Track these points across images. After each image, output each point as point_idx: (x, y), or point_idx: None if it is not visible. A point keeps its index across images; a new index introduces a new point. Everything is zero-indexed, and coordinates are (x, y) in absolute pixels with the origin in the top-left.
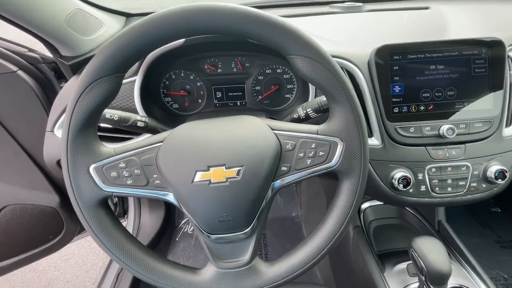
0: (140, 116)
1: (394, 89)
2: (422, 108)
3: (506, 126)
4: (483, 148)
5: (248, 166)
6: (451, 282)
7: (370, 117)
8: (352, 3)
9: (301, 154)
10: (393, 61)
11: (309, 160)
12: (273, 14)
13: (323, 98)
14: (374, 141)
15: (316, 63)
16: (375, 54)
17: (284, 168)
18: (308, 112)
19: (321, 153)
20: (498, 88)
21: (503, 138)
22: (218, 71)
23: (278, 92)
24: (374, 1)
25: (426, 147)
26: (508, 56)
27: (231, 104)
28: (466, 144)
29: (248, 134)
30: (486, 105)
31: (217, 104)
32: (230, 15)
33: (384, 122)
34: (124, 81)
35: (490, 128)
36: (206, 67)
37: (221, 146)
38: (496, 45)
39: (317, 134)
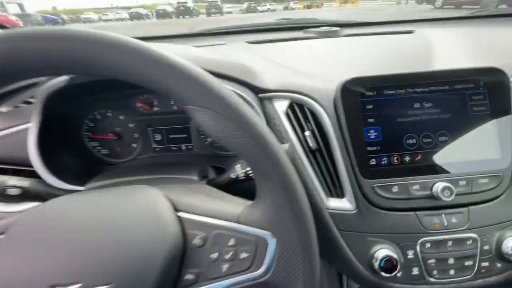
0: (16, 180)
1: (369, 134)
2: (407, 159)
3: None
4: (493, 213)
5: (120, 283)
6: None
7: (339, 172)
8: (328, 27)
9: (215, 255)
10: (365, 99)
11: (226, 265)
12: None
13: None
14: (346, 204)
15: (221, 119)
16: (341, 89)
17: (189, 277)
18: (248, 172)
19: (243, 255)
20: (505, 131)
21: None
22: (155, 109)
23: None
24: (352, 25)
25: (417, 212)
26: None
27: (175, 148)
28: (470, 208)
29: (130, 222)
30: (492, 153)
31: (157, 149)
32: (81, 41)
33: (358, 179)
34: (14, 129)
35: (500, 185)
36: (138, 105)
37: (80, 248)
38: (496, 75)
39: (238, 223)
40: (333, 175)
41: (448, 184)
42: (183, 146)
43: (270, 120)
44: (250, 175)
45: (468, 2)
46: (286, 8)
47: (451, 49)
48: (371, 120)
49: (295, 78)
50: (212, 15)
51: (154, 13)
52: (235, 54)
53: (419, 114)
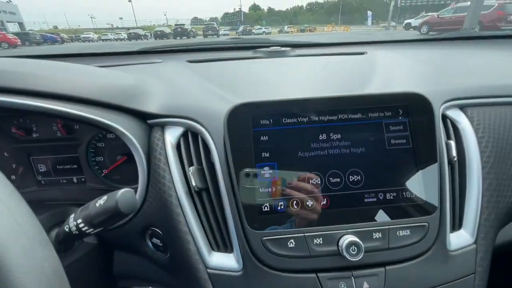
0: None
1: (263, 172)
2: (309, 204)
3: (453, 230)
4: (417, 275)
5: None
6: None
7: (227, 219)
8: (278, 47)
9: None
10: (259, 128)
11: None
12: None
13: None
14: (231, 262)
15: None
16: (228, 117)
17: None
18: (79, 225)
19: None
20: (431, 171)
21: (449, 253)
22: (34, 135)
23: (128, 164)
24: (305, 46)
25: (318, 274)
26: (446, 116)
27: (64, 181)
28: (388, 268)
29: None
30: (414, 198)
31: (43, 182)
32: None
33: (245, 229)
34: None
35: (424, 239)
36: (13, 131)
37: None
38: (419, 103)
39: None
40: (221, 222)
41: (354, 239)
42: (75, 179)
43: (152, 153)
44: (84, 229)
45: (452, 29)
46: (280, 31)
47: (394, 72)
48: (266, 154)
49: (197, 101)
50: (208, 36)
51: (152, 34)
52: (159, 73)
53: (325, 148)
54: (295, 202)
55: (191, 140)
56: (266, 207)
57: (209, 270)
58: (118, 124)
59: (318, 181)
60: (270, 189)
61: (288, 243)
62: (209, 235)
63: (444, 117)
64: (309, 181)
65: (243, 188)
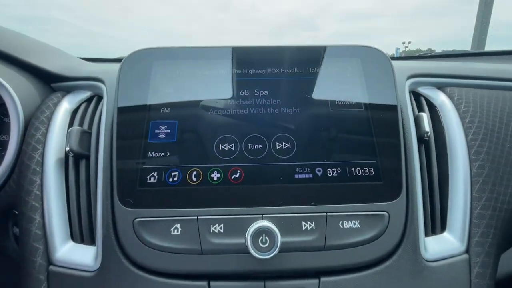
0: None
1: (157, 131)
2: (216, 176)
3: (432, 233)
4: None
5: None
6: None
7: (97, 195)
8: None
9: None
10: (159, 79)
11: None
12: None
13: None
14: (86, 259)
15: None
16: (123, 64)
17: None
18: None
19: None
20: (391, 143)
21: (425, 264)
22: None
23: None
24: None
25: (211, 283)
26: (420, 94)
27: None
28: (323, 280)
29: None
30: (368, 176)
31: None
32: None
33: (114, 207)
34: None
35: (384, 235)
36: None
37: None
38: (372, 57)
39: None
40: (92, 201)
41: (265, 224)
42: None
43: (35, 116)
44: None
45: None
46: None
47: None
48: (165, 110)
49: (113, 66)
50: None
51: None
52: None
53: (246, 106)
54: (194, 172)
55: (93, 104)
56: (152, 177)
57: (51, 268)
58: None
59: (232, 146)
60: (163, 154)
61: (172, 229)
62: (73, 218)
63: (417, 96)
64: (219, 146)
65: (123, 150)
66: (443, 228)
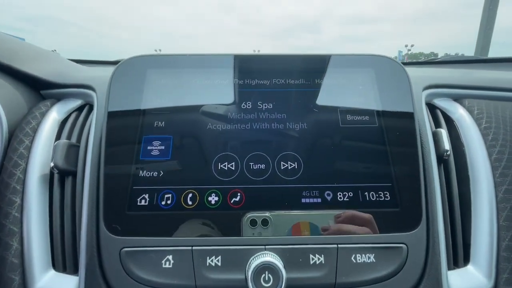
0: None
1: (150, 148)
2: (212, 200)
3: (454, 266)
4: None
5: None
6: None
7: (82, 218)
8: None
9: None
10: (153, 89)
11: None
12: None
13: None
14: None
15: None
16: (115, 72)
17: None
18: None
19: None
20: (408, 163)
21: None
22: None
23: None
24: None
25: None
26: (436, 107)
27: None
28: None
29: None
30: (384, 201)
31: None
32: None
33: (99, 233)
34: None
35: (402, 270)
36: None
37: None
38: (387, 68)
39: None
40: (77, 225)
41: (269, 260)
42: None
43: (20, 126)
44: None
45: None
46: None
47: None
48: (159, 124)
49: (106, 72)
50: None
51: None
52: None
53: (248, 121)
54: (190, 195)
55: (83, 115)
56: (143, 200)
57: None
58: None
59: (232, 166)
60: (155, 173)
61: (163, 262)
62: (56, 243)
63: (433, 108)
64: (218, 165)
65: (111, 168)
66: (466, 260)
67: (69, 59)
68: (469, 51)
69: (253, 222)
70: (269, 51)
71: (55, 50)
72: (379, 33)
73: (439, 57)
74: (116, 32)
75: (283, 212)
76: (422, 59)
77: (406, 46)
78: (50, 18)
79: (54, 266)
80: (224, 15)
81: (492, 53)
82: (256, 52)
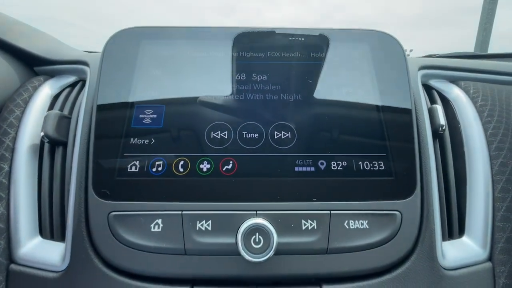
0: None
1: (142, 116)
2: (206, 167)
3: (449, 237)
4: None
5: None
6: None
7: (71, 185)
8: None
9: None
10: (147, 59)
11: None
12: None
13: None
14: (53, 256)
15: None
16: (107, 42)
17: None
18: None
19: None
20: (404, 134)
21: (443, 273)
22: None
23: None
24: None
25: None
26: (432, 87)
27: None
28: (324, 287)
29: None
30: (378, 170)
31: None
32: None
33: (88, 199)
34: None
35: (395, 238)
36: None
37: None
38: (384, 43)
39: None
40: (66, 192)
41: (259, 222)
42: None
43: (11, 98)
44: None
45: None
46: None
47: None
48: (151, 93)
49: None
50: None
51: None
52: None
53: (241, 92)
54: (181, 162)
55: (76, 90)
56: (134, 166)
57: (12, 266)
58: None
59: (224, 135)
60: (147, 141)
61: (152, 225)
62: (44, 210)
63: (429, 89)
64: (210, 134)
65: (102, 136)
66: (461, 232)
67: None
68: None
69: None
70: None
71: None
72: None
73: None
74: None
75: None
76: None
77: (405, 50)
78: (49, 18)
79: (42, 233)
80: (224, 18)
81: None
82: (245, 26)
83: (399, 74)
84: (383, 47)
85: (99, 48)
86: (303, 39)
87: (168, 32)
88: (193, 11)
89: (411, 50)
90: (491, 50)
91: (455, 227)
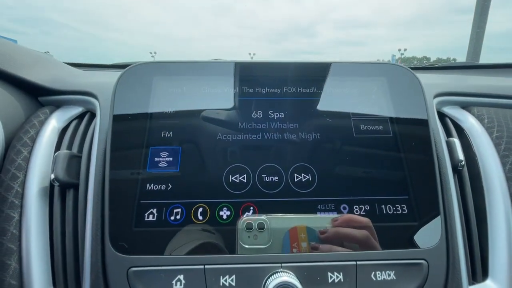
0: None
1: (157, 159)
2: (224, 214)
3: (473, 281)
4: None
5: None
6: None
7: (86, 234)
8: None
9: None
10: (161, 97)
11: None
12: None
13: None
14: None
15: None
16: (120, 79)
17: None
18: None
19: None
20: (425, 174)
21: None
22: None
23: None
24: None
25: None
26: (445, 115)
27: None
28: None
29: None
30: (402, 215)
31: None
32: None
33: (105, 252)
34: None
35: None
36: None
37: None
38: (399, 76)
39: None
40: (80, 241)
41: (287, 280)
42: None
43: (18, 135)
44: None
45: None
46: None
47: None
48: (167, 134)
49: (108, 78)
50: None
51: None
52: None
53: (259, 131)
54: (200, 209)
55: (84, 122)
56: (151, 215)
57: None
58: None
59: (243, 178)
60: (163, 186)
61: (174, 282)
62: (57, 262)
63: (442, 117)
64: (229, 177)
65: (117, 181)
66: (484, 274)
67: (65, 63)
68: (461, 55)
69: (249, 225)
70: (264, 54)
71: (48, 52)
72: (373, 37)
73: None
74: (110, 34)
75: (279, 215)
76: (415, 63)
77: (399, 50)
78: (43, 19)
79: (55, 286)
80: (220, 18)
81: (484, 58)
82: (260, 59)
83: (418, 109)
84: (400, 80)
85: (93, 49)
86: (319, 73)
87: (181, 68)
88: (188, 12)
89: (405, 50)
90: (488, 49)
91: (478, 269)
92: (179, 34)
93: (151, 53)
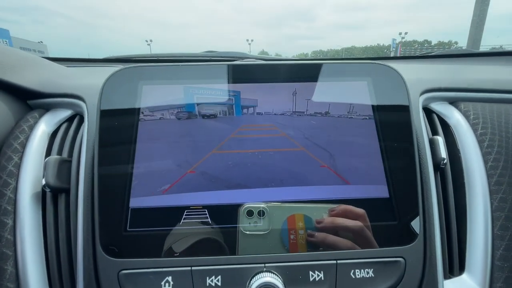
0: None
1: (138, 164)
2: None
3: (450, 275)
4: None
5: None
6: None
7: (78, 238)
8: (253, 60)
9: None
10: (150, 103)
11: None
12: None
13: None
14: None
15: None
16: (106, 83)
17: None
18: None
19: None
20: (406, 172)
21: None
22: None
23: None
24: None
25: None
26: (432, 111)
27: None
28: None
29: None
30: (381, 214)
31: None
32: None
33: (96, 255)
34: None
35: (400, 284)
36: None
37: None
38: (382, 75)
39: None
40: (72, 244)
41: (269, 280)
42: None
43: (7, 140)
44: None
45: None
46: None
47: None
48: (155, 137)
49: (96, 79)
50: None
51: None
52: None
53: (249, 132)
54: (193, 213)
55: (74, 126)
56: (141, 218)
57: None
58: None
59: (241, 178)
60: (158, 189)
61: (163, 283)
62: (52, 265)
63: (429, 113)
64: (222, 179)
65: (106, 185)
66: (461, 267)
67: (56, 58)
68: (462, 38)
69: (250, 213)
70: (262, 40)
71: (41, 42)
72: (373, 21)
73: (432, 44)
74: (105, 22)
75: (279, 204)
76: (416, 46)
77: (400, 34)
78: (36, 8)
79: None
80: (217, 4)
81: (486, 41)
82: (246, 61)
83: (402, 109)
84: (384, 80)
85: (87, 37)
86: (302, 73)
87: (169, 72)
88: None
89: (406, 33)
90: (489, 32)
91: (455, 264)
92: (175, 21)
93: (146, 41)
